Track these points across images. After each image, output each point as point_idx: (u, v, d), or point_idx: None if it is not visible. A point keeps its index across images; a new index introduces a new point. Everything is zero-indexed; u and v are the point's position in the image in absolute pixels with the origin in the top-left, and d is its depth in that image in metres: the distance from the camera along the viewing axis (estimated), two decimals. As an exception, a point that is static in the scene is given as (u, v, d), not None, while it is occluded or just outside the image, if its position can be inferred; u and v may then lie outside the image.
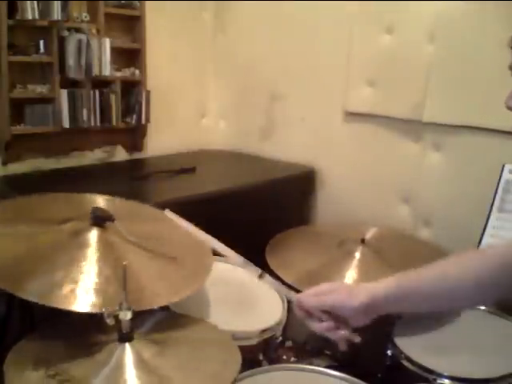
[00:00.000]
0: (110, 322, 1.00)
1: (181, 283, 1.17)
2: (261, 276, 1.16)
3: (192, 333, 1.14)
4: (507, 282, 0.90)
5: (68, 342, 1.03)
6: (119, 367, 0.98)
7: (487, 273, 0.92)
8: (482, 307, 1.55)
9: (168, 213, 1.20)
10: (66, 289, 1.02)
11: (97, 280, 1.06)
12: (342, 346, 1.01)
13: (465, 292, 0.95)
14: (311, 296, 1.03)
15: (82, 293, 1.02)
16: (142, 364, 0.99)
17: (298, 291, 1.18)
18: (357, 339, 1.00)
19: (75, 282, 1.03)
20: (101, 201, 1.40)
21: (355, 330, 1.03)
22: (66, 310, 0.99)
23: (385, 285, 0.99)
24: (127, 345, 1.03)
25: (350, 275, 1.56)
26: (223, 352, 1.10)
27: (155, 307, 1.13)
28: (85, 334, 1.07)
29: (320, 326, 1.01)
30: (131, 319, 1.02)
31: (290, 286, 1.45)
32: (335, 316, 0.99)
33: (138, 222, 1.37)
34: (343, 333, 1.00)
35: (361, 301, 0.98)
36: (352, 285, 1.03)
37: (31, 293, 0.99)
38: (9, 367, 0.94)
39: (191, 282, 1.20)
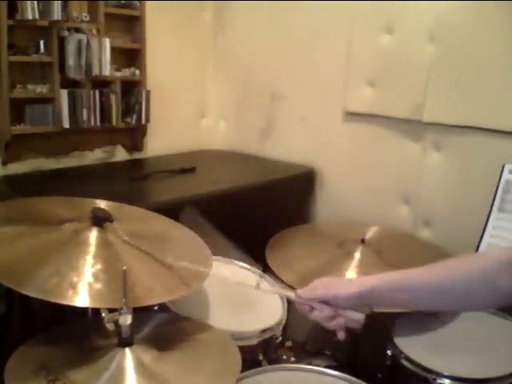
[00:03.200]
0: (110, 327, 1.00)
1: (177, 283, 1.17)
2: (257, 286, 1.17)
3: (192, 335, 1.14)
4: (505, 285, 0.90)
5: (68, 348, 1.04)
6: (120, 372, 0.98)
7: (483, 275, 0.92)
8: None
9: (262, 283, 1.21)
10: (66, 285, 1.02)
11: (95, 277, 1.06)
12: (340, 335, 1.05)
13: (455, 293, 0.96)
14: (307, 290, 1.06)
15: (81, 289, 1.02)
16: (142, 369, 0.99)
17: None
18: (361, 317, 1.03)
19: (75, 278, 1.04)
20: (102, 203, 1.41)
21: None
22: (66, 305, 0.99)
23: (374, 279, 1.03)
24: (127, 350, 1.03)
25: (350, 275, 1.56)
26: (223, 353, 1.10)
27: (150, 304, 1.13)
28: (85, 339, 1.07)
29: (317, 315, 1.04)
30: (131, 323, 1.03)
31: (289, 286, 1.46)
32: (334, 307, 1.02)
33: (138, 224, 1.37)
34: (339, 322, 1.02)
35: (347, 292, 1.01)
36: (343, 279, 1.06)
37: (32, 289, 0.99)
38: (9, 373, 0.94)
39: (188, 282, 1.20)
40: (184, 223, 1.18)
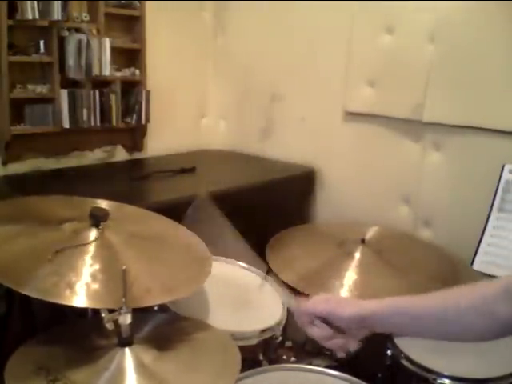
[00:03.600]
0: (109, 326, 1.00)
1: (176, 284, 1.17)
2: (265, 278, 1.17)
3: (192, 335, 1.14)
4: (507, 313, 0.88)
5: (68, 348, 1.04)
6: (120, 372, 0.98)
7: (486, 304, 0.91)
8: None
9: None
10: (64, 285, 1.02)
11: (93, 277, 1.06)
12: (339, 354, 1.04)
13: (458, 322, 0.94)
14: (308, 304, 1.06)
15: (79, 289, 1.02)
16: (142, 368, 0.99)
17: (298, 292, 1.18)
18: (352, 348, 1.02)
19: (73, 278, 1.04)
20: (102, 203, 1.41)
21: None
22: (66, 305, 0.99)
23: (377, 302, 1.01)
24: (127, 349, 1.03)
25: (350, 275, 1.56)
26: (223, 353, 1.10)
27: (150, 305, 1.13)
28: (85, 339, 1.07)
29: (316, 334, 1.03)
30: (131, 323, 1.03)
31: (289, 286, 1.46)
32: (332, 324, 1.02)
33: (138, 224, 1.37)
34: (337, 342, 1.02)
35: (349, 313, 0.99)
36: (346, 298, 1.05)
37: (31, 288, 0.99)
38: (10, 372, 0.94)
39: (188, 282, 1.20)
40: (196, 212, 1.16)
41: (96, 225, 1.20)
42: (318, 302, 1.04)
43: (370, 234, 1.80)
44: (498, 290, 0.90)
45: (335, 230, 1.87)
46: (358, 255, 1.65)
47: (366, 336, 1.02)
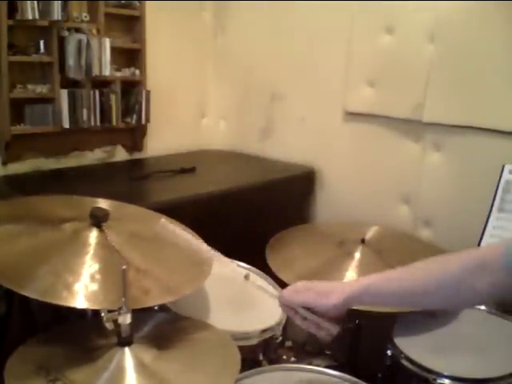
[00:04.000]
0: (109, 326, 1.00)
1: (176, 284, 1.17)
2: (246, 277, 1.18)
3: (191, 334, 1.14)
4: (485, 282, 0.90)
5: (68, 347, 1.04)
6: (119, 371, 0.98)
7: (465, 274, 0.92)
8: (482, 307, 1.55)
9: (164, 221, 1.21)
10: (61, 286, 1.02)
11: (92, 278, 1.06)
12: (327, 339, 1.06)
13: (442, 293, 0.95)
14: (290, 292, 1.06)
15: (77, 290, 1.02)
16: (142, 368, 0.99)
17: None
18: (335, 331, 1.03)
19: (71, 279, 1.04)
20: (102, 202, 1.41)
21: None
22: (67, 306, 0.99)
23: (359, 283, 1.03)
24: (127, 349, 1.03)
25: (350, 275, 1.56)
26: (223, 352, 1.10)
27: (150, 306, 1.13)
28: (85, 338, 1.07)
29: (305, 325, 1.05)
30: (130, 323, 1.03)
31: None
32: (313, 310, 1.02)
33: (138, 224, 1.38)
34: (324, 329, 1.03)
35: (334, 301, 1.01)
36: (326, 285, 1.05)
37: (31, 290, 0.99)
38: (9, 372, 0.94)
39: (187, 283, 1.20)
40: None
41: (96, 225, 1.20)
42: (298, 292, 1.05)
43: (370, 233, 1.80)
44: (476, 262, 0.91)
45: (335, 230, 1.87)
46: (357, 255, 1.65)
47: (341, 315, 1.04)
